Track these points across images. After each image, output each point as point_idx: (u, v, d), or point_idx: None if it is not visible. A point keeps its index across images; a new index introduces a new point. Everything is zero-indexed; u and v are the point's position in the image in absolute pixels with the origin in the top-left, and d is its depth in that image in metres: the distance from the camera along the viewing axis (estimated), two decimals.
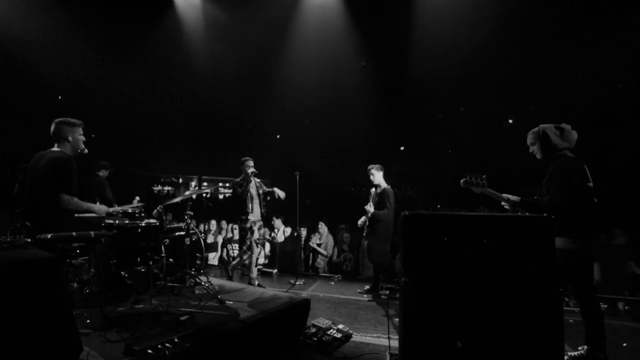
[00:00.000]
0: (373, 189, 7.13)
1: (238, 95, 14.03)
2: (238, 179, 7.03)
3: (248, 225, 6.93)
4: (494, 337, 2.72)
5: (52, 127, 4.27)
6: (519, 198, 4.05)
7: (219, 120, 15.74)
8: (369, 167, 7.08)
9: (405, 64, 11.77)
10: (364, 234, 7.16)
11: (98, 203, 5.36)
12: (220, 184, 18.52)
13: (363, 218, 7.12)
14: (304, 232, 9.49)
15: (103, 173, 8.29)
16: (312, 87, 12.86)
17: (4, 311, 2.15)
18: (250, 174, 6.91)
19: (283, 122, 15.69)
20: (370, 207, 6.91)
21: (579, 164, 3.84)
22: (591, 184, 3.77)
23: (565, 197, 3.68)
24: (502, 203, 4.15)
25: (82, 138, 4.43)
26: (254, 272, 6.95)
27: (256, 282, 6.81)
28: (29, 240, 2.94)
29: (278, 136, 17.27)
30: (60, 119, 4.30)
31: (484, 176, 3.94)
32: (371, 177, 7.04)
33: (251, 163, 7.02)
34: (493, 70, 11.14)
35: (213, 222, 10.33)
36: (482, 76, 11.34)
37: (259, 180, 7.20)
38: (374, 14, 10.85)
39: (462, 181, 4.01)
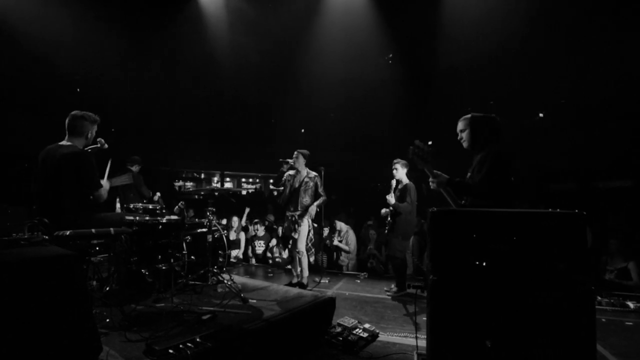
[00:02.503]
0: (394, 181, 7.07)
1: (262, 88, 14.04)
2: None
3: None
4: (523, 336, 2.66)
5: (72, 121, 4.21)
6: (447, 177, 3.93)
7: (242, 114, 15.77)
8: (394, 161, 7.03)
9: (433, 57, 11.64)
10: (386, 229, 7.10)
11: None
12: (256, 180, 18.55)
13: (385, 209, 7.07)
14: (326, 231, 9.47)
15: (135, 168, 8.38)
16: (337, 80, 12.80)
17: (22, 310, 2.16)
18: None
19: (308, 116, 15.64)
20: (391, 198, 6.87)
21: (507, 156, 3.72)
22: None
23: (490, 186, 3.57)
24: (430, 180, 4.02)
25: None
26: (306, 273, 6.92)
27: (308, 287, 6.77)
28: (47, 237, 2.96)
29: (303, 130, 17.23)
30: (82, 113, 4.24)
31: (430, 150, 3.82)
32: (394, 171, 6.99)
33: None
34: (523, 63, 10.95)
35: (235, 219, 10.36)
36: (512, 69, 11.15)
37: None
38: (401, 5, 10.74)
39: (409, 150, 3.93)
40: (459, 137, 4.12)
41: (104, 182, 4.35)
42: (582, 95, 11.04)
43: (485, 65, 11.06)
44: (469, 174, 3.85)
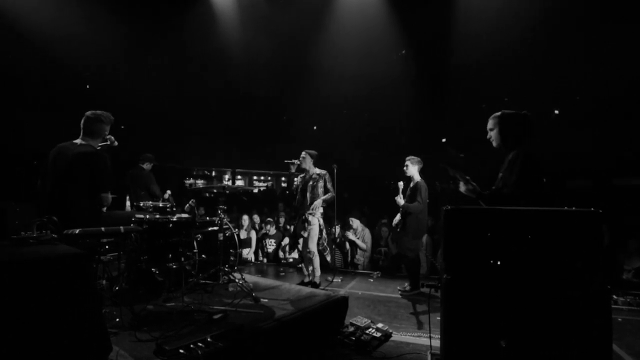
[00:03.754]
0: (401, 183, 7.02)
1: (274, 85, 14.07)
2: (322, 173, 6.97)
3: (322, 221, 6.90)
4: (539, 336, 2.65)
5: (89, 123, 4.24)
6: (479, 190, 3.86)
7: (253, 111, 15.81)
8: (406, 158, 6.98)
9: (446, 53, 11.60)
10: (397, 228, 7.08)
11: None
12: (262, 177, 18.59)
13: (398, 216, 7.04)
14: (337, 229, 9.45)
15: (147, 166, 8.40)
16: (350, 76, 12.80)
17: (31, 309, 2.17)
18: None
19: (320, 113, 15.63)
20: (400, 199, 6.86)
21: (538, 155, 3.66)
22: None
23: (525, 188, 3.52)
24: (467, 187, 3.94)
25: None
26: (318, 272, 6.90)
27: (321, 286, 6.74)
28: (56, 235, 2.97)
29: (315, 127, 17.23)
30: (98, 114, 4.27)
31: (462, 156, 3.78)
32: (405, 168, 6.94)
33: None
34: (538, 59, 10.86)
35: (245, 217, 10.37)
36: (527, 65, 11.08)
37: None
38: (414, 0, 10.71)
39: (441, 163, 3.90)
40: (487, 136, 4.04)
41: (109, 196, 4.38)
42: (598, 92, 10.92)
43: (500, 61, 11.00)
44: (500, 174, 3.79)
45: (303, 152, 6.91)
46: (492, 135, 3.95)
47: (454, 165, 3.82)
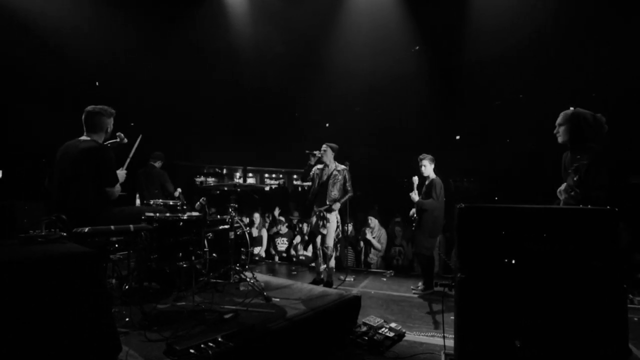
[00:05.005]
0: (415, 178, 6.99)
1: (285, 81, 14.06)
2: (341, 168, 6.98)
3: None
4: (553, 336, 2.65)
5: (89, 118, 4.27)
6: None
7: (264, 108, 15.82)
8: (420, 157, 6.95)
9: (460, 49, 11.53)
10: (413, 226, 7.05)
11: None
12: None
13: (412, 210, 7.02)
14: (350, 227, 9.43)
15: (158, 164, 8.45)
16: (362, 73, 12.77)
17: (39, 309, 2.17)
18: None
19: (332, 110, 15.61)
20: (415, 195, 6.84)
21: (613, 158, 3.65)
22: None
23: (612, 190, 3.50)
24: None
25: None
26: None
27: (333, 285, 6.74)
28: (65, 234, 2.98)
29: (327, 124, 17.21)
30: (98, 108, 4.31)
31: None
32: (422, 168, 6.92)
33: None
34: (553, 56, 10.76)
35: (256, 215, 10.38)
36: (542, 62, 10.98)
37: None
38: None
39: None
40: (555, 131, 4.05)
41: (121, 173, 4.39)
42: (614, 89, 10.79)
43: (515, 57, 10.92)
44: (569, 171, 3.76)
45: (324, 145, 6.90)
46: (560, 130, 3.99)
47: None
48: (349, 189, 6.83)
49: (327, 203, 6.72)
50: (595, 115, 3.80)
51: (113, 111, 4.42)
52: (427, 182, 6.92)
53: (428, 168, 6.88)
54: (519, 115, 13.52)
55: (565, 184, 3.87)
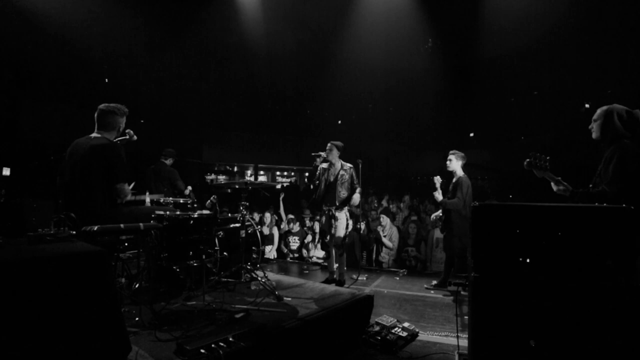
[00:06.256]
0: (438, 177, 6.92)
1: (297, 78, 14.07)
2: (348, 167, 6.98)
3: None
4: (568, 336, 2.61)
5: (102, 116, 4.30)
6: (571, 188, 3.81)
7: (276, 105, 15.83)
8: (450, 152, 6.91)
9: (474, 45, 11.47)
10: (440, 228, 7.03)
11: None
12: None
13: (439, 212, 6.98)
14: (362, 225, 9.41)
15: (169, 161, 8.47)
16: (375, 70, 12.77)
17: (48, 308, 2.17)
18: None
19: (345, 107, 15.60)
20: (439, 195, 6.78)
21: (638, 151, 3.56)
22: None
23: (620, 185, 3.44)
24: (558, 188, 3.90)
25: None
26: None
27: (345, 284, 6.70)
28: (74, 232, 2.98)
29: (339, 121, 17.19)
30: (111, 107, 4.33)
31: (548, 158, 3.73)
32: (448, 162, 6.87)
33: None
34: (568, 52, 10.67)
35: (267, 214, 10.39)
36: (557, 58, 10.90)
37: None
38: None
39: (525, 162, 3.87)
40: (589, 126, 4.01)
41: (127, 187, 4.38)
42: (630, 86, 10.68)
43: (529, 54, 10.85)
44: (600, 167, 3.73)
45: (329, 144, 6.88)
46: (594, 126, 3.94)
47: (542, 167, 3.78)
48: (358, 185, 6.82)
49: (337, 203, 6.71)
50: (632, 112, 3.73)
51: (126, 110, 4.44)
52: (453, 180, 6.86)
53: (453, 163, 6.82)
54: (534, 112, 13.45)
55: None
